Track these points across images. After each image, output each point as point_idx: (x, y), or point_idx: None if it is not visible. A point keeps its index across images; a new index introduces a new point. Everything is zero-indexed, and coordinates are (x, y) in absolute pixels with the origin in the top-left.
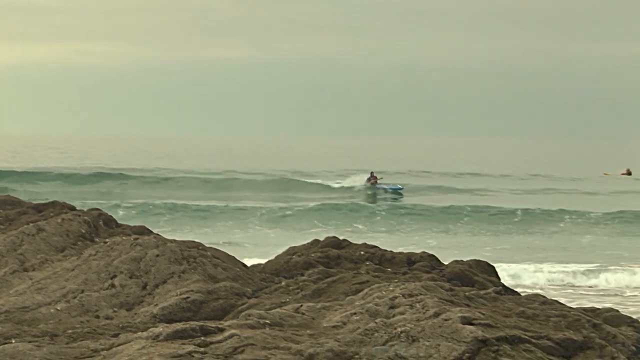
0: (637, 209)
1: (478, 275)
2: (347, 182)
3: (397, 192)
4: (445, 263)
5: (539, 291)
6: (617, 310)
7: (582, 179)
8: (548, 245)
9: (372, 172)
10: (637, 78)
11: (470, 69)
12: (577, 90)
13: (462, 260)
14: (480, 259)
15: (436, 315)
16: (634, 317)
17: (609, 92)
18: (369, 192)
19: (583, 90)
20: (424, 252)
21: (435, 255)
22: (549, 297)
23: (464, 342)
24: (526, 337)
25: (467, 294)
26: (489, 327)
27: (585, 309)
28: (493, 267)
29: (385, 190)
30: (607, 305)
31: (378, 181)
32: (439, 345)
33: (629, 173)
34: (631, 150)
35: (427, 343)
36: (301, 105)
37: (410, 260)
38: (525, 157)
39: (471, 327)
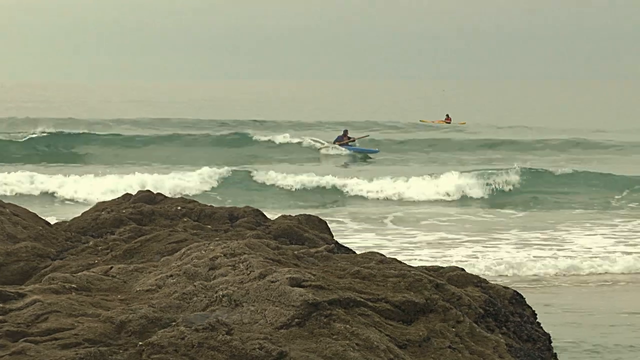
0: None
1: (308, 232)
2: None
3: (367, 155)
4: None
5: None
6: (463, 269)
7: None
8: None
9: (345, 131)
10: None
11: None
12: None
13: (290, 215)
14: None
15: (262, 276)
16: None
17: None
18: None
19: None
20: (247, 207)
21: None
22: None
23: (293, 306)
24: (362, 299)
25: (296, 252)
26: (321, 289)
27: (427, 268)
28: (325, 223)
29: (356, 155)
30: None
31: (350, 143)
32: (265, 310)
33: (449, 120)
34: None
35: (252, 308)
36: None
37: (232, 215)
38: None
39: (301, 289)
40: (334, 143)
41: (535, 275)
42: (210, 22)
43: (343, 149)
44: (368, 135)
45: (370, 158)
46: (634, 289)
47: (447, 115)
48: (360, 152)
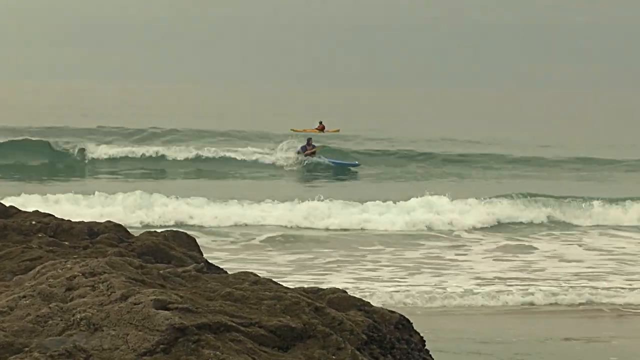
0: None
1: (176, 249)
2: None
3: (346, 168)
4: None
5: None
6: (345, 291)
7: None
8: None
9: (309, 139)
10: None
11: None
12: None
13: (156, 232)
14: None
15: (124, 298)
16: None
17: None
18: (303, 166)
19: None
20: (109, 222)
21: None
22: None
23: (158, 330)
24: (234, 324)
25: (161, 272)
26: (188, 313)
27: (306, 290)
28: (194, 240)
29: (330, 166)
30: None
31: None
32: (127, 334)
33: (322, 129)
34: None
35: (113, 332)
36: None
37: (92, 231)
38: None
39: (166, 312)
40: (300, 154)
41: (426, 299)
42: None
43: (319, 159)
44: (323, 147)
45: (351, 171)
46: (523, 317)
47: (320, 123)
48: (339, 165)
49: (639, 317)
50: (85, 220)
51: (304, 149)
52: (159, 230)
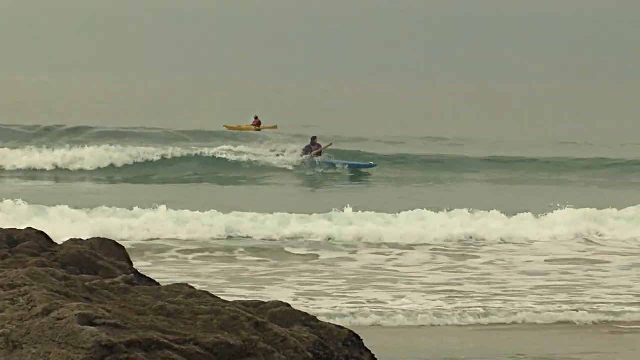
0: None
1: (103, 259)
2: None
3: (358, 169)
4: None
5: None
6: (289, 305)
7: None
8: None
9: (313, 138)
10: None
11: None
12: None
13: (81, 239)
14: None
15: (46, 312)
16: None
17: None
18: (312, 170)
19: None
20: (30, 229)
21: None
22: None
23: (83, 348)
24: (166, 341)
25: (87, 283)
26: (117, 329)
27: (245, 304)
28: (123, 248)
29: (343, 168)
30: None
31: (323, 152)
32: (49, 353)
33: (258, 124)
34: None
35: (34, 350)
36: None
37: (11, 239)
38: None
39: (93, 328)
40: (305, 155)
41: (374, 315)
42: None
43: (330, 160)
44: (331, 144)
45: (366, 174)
46: (480, 333)
47: (256, 118)
48: (353, 167)
49: (585, 329)
50: (4, 228)
51: (308, 149)
52: (84, 238)
